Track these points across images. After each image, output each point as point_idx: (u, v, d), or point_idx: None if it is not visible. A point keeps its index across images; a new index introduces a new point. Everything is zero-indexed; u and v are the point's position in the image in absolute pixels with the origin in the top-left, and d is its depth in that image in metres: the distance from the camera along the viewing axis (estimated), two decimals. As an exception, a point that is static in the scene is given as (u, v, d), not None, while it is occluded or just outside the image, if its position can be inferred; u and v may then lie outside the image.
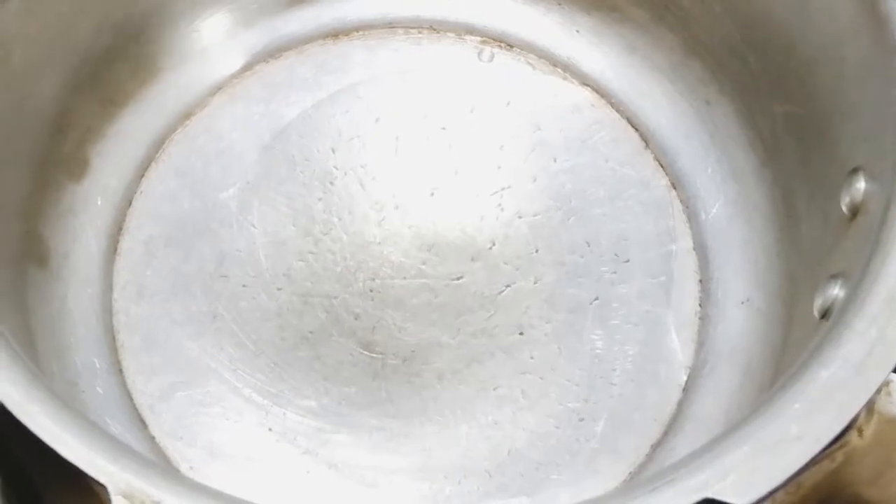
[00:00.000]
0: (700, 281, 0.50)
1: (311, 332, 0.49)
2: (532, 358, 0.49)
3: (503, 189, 0.52)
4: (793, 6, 0.46)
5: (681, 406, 0.48)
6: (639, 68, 0.54)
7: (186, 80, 0.54)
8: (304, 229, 0.51)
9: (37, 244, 0.48)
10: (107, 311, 0.50)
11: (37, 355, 0.44)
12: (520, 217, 0.51)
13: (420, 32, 0.56)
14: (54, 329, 0.48)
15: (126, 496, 0.32)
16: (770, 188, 0.49)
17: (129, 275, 0.51)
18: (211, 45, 0.54)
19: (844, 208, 0.41)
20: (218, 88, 0.54)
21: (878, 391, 0.35)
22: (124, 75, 0.52)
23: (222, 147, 0.53)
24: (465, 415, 0.48)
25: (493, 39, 0.55)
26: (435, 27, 0.56)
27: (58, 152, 0.49)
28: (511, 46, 0.55)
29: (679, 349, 0.49)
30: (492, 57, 0.55)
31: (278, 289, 0.50)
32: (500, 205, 0.51)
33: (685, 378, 0.48)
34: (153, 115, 0.53)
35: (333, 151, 0.52)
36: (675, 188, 0.52)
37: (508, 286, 0.50)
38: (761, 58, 0.48)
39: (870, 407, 0.36)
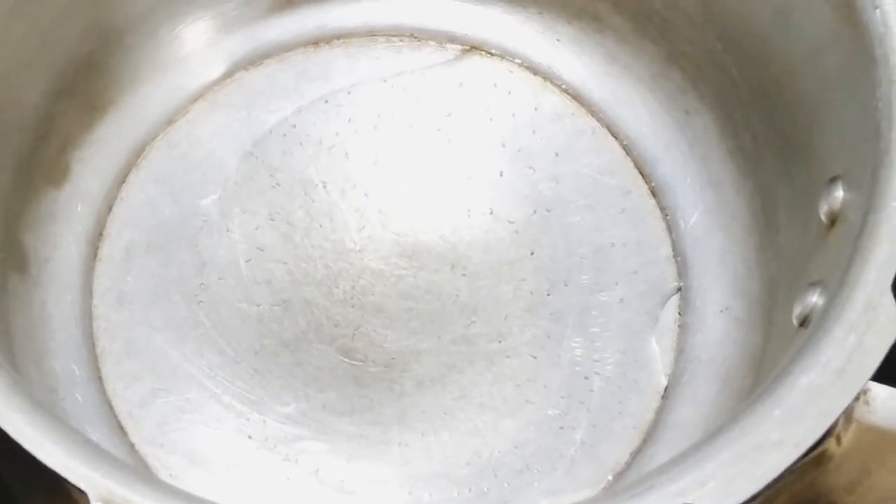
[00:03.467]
0: (679, 288, 0.50)
1: (291, 340, 0.49)
2: (512, 365, 0.49)
3: (483, 197, 0.52)
4: (773, 16, 0.46)
5: (660, 413, 0.48)
6: (619, 77, 0.54)
7: (167, 87, 0.54)
8: (284, 236, 0.51)
9: (16, 250, 0.48)
10: (86, 317, 0.49)
11: (16, 362, 0.44)
12: (500, 225, 0.51)
13: (401, 40, 0.56)
14: (34, 335, 0.47)
15: (107, 503, 0.32)
16: (749, 197, 0.49)
17: (109, 281, 0.50)
18: (192, 53, 0.54)
19: (823, 217, 0.41)
20: (199, 95, 0.54)
21: (856, 399, 0.35)
22: (106, 81, 0.52)
23: (203, 154, 0.53)
24: (445, 422, 0.48)
25: (474, 47, 0.55)
26: (416, 35, 0.56)
27: (38, 158, 0.49)
28: (492, 55, 0.55)
29: (658, 357, 0.49)
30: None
31: (258, 296, 0.50)
32: (480, 212, 0.52)
33: (665, 385, 0.48)
34: (134, 122, 0.53)
35: (314, 159, 0.52)
36: (654, 197, 0.52)
37: (488, 294, 0.50)
38: (741, 68, 0.49)
39: (848, 414, 0.36)
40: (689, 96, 0.52)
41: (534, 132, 0.53)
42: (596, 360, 0.49)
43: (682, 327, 0.50)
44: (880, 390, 0.36)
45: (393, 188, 0.52)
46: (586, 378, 0.48)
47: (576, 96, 0.54)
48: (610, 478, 0.47)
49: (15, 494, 0.39)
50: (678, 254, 0.51)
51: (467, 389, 0.48)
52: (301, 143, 0.53)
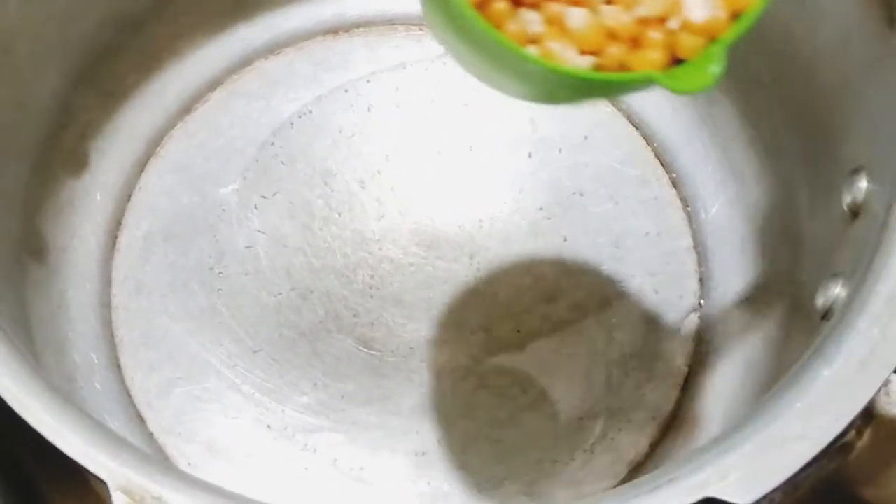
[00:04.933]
0: (700, 279, 0.50)
1: (309, 329, 0.49)
2: (531, 356, 0.49)
3: (503, 186, 0.52)
4: (797, 6, 0.46)
5: (679, 405, 0.48)
6: (640, 66, 0.54)
7: (186, 76, 0.53)
8: (303, 226, 0.51)
9: (35, 239, 0.48)
10: (105, 306, 0.50)
11: (35, 351, 0.44)
12: (520, 214, 0.51)
13: (420, 29, 0.55)
14: (53, 324, 0.48)
15: (126, 492, 0.32)
16: (770, 187, 0.49)
17: (127, 270, 0.50)
18: (211, 41, 0.54)
19: (845, 208, 0.41)
20: (218, 84, 0.54)
21: (878, 391, 0.35)
22: (124, 70, 0.52)
23: (222, 143, 0.53)
24: (464, 412, 0.48)
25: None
26: (435, 24, 0.56)
27: (57, 147, 0.49)
28: (512, 44, 0.55)
29: (678, 348, 0.49)
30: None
31: (277, 285, 0.50)
32: (499, 202, 0.51)
33: (684, 377, 0.48)
34: (153, 111, 0.53)
35: (333, 148, 0.52)
36: (675, 187, 0.52)
37: (508, 284, 0.50)
38: (764, 56, 0.48)
39: (869, 406, 0.36)
40: (710, 86, 0.52)
41: (554, 122, 0.53)
42: (615, 351, 0.49)
43: (703, 318, 0.49)
44: (902, 382, 0.36)
45: (413, 175, 0.52)
46: (606, 369, 0.48)
47: (596, 85, 0.54)
48: (629, 469, 0.47)
49: (35, 484, 0.39)
50: (699, 244, 0.51)
51: (486, 380, 0.48)
52: (320, 132, 0.53)
